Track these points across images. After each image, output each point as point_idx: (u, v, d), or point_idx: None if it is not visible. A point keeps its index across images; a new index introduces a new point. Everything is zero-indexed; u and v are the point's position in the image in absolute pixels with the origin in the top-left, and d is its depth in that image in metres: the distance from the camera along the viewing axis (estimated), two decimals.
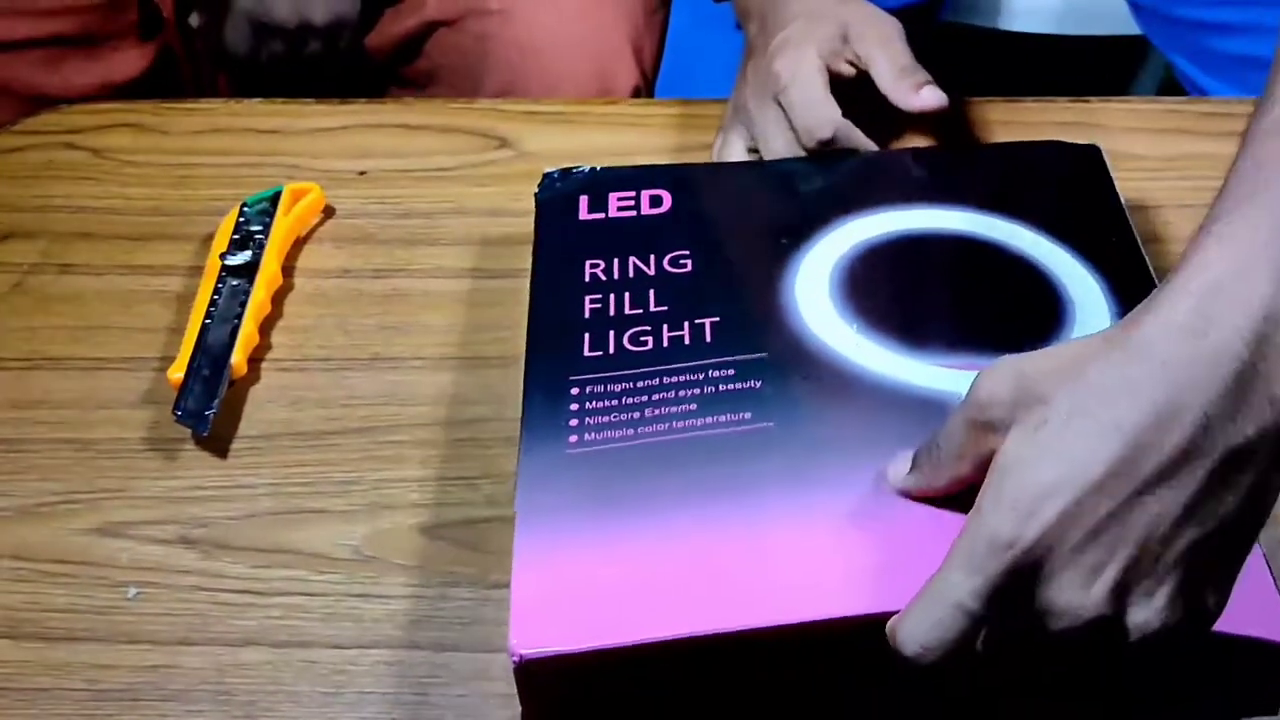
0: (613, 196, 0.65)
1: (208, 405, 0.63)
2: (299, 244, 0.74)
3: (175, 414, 0.63)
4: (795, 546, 0.49)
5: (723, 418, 0.54)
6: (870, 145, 0.70)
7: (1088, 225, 0.63)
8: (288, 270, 0.72)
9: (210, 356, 0.66)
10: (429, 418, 0.64)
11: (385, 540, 0.59)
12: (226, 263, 0.70)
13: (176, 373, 0.65)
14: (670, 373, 0.56)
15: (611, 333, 0.58)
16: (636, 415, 0.54)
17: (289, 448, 0.63)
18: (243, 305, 0.68)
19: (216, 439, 0.64)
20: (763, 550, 0.49)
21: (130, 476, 0.63)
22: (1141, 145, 0.76)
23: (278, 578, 0.58)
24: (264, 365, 0.68)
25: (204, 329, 0.67)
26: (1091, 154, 0.68)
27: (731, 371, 0.55)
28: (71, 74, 0.93)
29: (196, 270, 0.71)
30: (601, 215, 0.64)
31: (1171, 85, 1.25)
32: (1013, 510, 0.42)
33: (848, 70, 0.71)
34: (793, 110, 0.69)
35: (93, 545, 0.60)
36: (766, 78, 0.71)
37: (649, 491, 0.51)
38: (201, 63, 1.00)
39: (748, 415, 0.54)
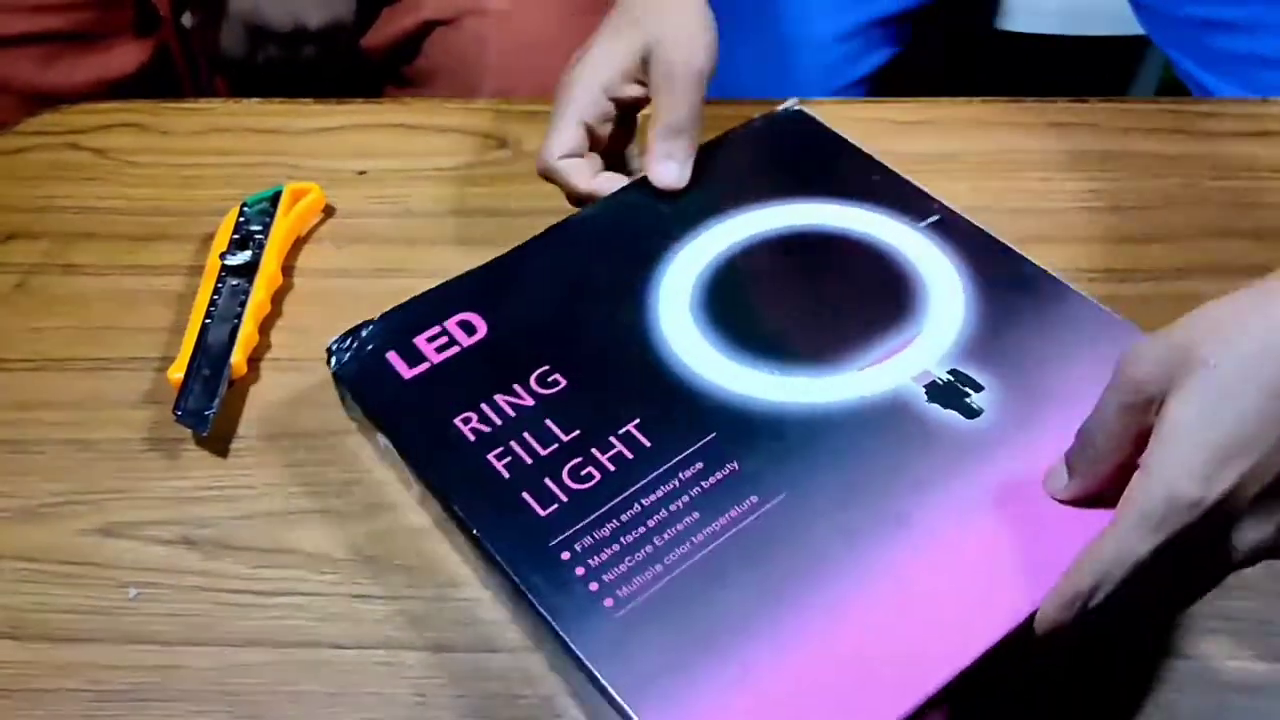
0: (420, 341, 0.60)
1: (208, 405, 0.64)
2: (299, 244, 0.74)
3: (176, 414, 0.64)
4: (904, 597, 0.49)
5: (734, 512, 0.52)
6: (581, 188, 0.66)
7: (855, 178, 0.66)
8: (288, 270, 0.72)
9: (210, 356, 0.66)
10: None
11: (386, 540, 0.60)
12: (226, 262, 0.70)
13: (177, 373, 0.65)
14: (641, 493, 0.53)
15: (548, 481, 0.54)
16: (649, 549, 0.51)
17: (289, 447, 0.64)
18: (242, 305, 0.68)
19: (217, 439, 0.64)
20: (880, 616, 0.49)
21: (132, 477, 0.63)
22: (1140, 145, 0.76)
23: (279, 578, 0.59)
24: (264, 365, 0.68)
25: (204, 329, 0.67)
26: (802, 117, 0.71)
27: (700, 465, 0.54)
28: (67, 71, 0.93)
29: (197, 270, 0.71)
30: (425, 365, 0.59)
31: (1171, 85, 1.25)
32: (1192, 474, 0.44)
33: (633, 92, 0.67)
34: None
35: (96, 546, 0.60)
36: (559, 85, 0.68)
37: (726, 613, 0.49)
38: (198, 61, 1.00)
39: (754, 499, 0.53)
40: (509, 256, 0.64)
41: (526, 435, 0.56)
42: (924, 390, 0.56)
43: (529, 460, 0.55)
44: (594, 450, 0.55)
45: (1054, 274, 0.61)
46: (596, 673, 0.48)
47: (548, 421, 0.56)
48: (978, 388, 0.56)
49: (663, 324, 0.60)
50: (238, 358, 0.66)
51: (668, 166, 0.66)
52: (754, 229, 0.64)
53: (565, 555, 0.51)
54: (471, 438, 0.56)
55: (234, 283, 0.70)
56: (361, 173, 0.78)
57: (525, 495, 0.54)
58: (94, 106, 0.83)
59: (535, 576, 0.51)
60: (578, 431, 0.56)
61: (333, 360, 0.60)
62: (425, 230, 0.74)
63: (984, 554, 0.51)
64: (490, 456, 0.55)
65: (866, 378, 0.57)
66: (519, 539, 0.52)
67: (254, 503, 0.61)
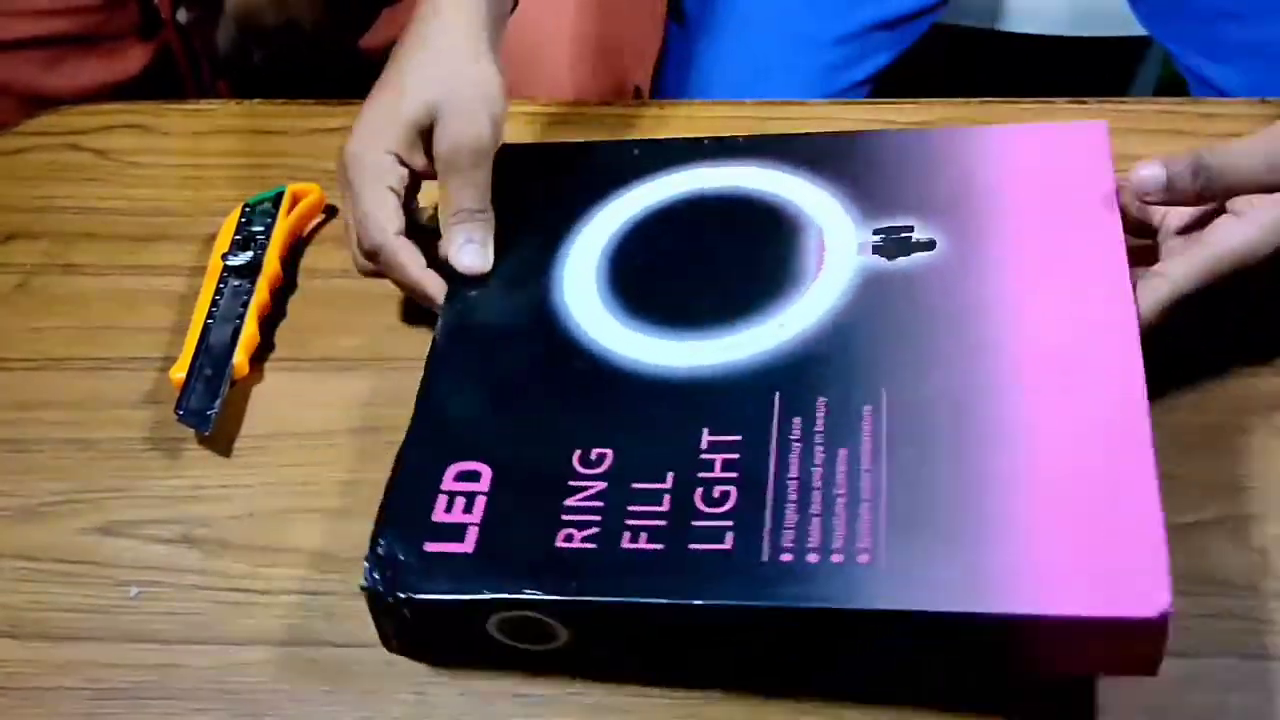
0: (439, 516, 0.55)
1: (210, 405, 0.64)
2: (301, 244, 0.74)
3: (177, 414, 0.64)
4: (1052, 375, 0.54)
5: (867, 429, 0.54)
6: (414, 275, 0.63)
7: (624, 162, 0.68)
8: (289, 270, 0.72)
9: (212, 356, 0.66)
10: None
11: None
12: (228, 263, 0.70)
13: (178, 372, 0.65)
14: (783, 473, 0.53)
15: (698, 523, 0.52)
16: (843, 501, 0.52)
17: (291, 447, 0.64)
18: (245, 305, 0.68)
19: (218, 438, 0.64)
20: (1052, 398, 0.54)
21: (133, 476, 0.63)
22: (1139, 146, 0.76)
23: (280, 577, 0.59)
24: (266, 365, 0.68)
25: (206, 329, 0.67)
26: (514, 147, 0.70)
27: (799, 419, 0.54)
28: (71, 73, 0.93)
29: (199, 270, 0.72)
30: (473, 529, 0.54)
31: (1171, 85, 1.25)
32: None
33: (421, 163, 0.64)
34: (354, 211, 0.63)
35: (96, 545, 0.60)
36: (342, 156, 0.64)
37: (957, 493, 0.51)
38: (201, 63, 1.00)
39: (868, 408, 0.54)
40: (430, 392, 0.60)
41: (632, 508, 0.53)
42: (877, 256, 0.60)
43: (662, 523, 0.52)
44: (701, 474, 0.54)
45: (848, 132, 0.68)
46: (945, 609, 0.48)
47: (634, 485, 0.54)
48: (909, 229, 0.61)
49: (618, 346, 0.60)
50: (240, 358, 0.66)
51: (469, 250, 0.63)
52: (605, 238, 0.64)
53: (787, 558, 0.50)
54: (593, 546, 0.52)
55: (236, 283, 0.70)
56: None
57: (694, 547, 0.51)
58: (95, 107, 0.83)
59: (793, 589, 0.50)
60: (670, 472, 0.54)
61: (387, 597, 0.53)
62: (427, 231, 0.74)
63: (1068, 307, 0.56)
64: (625, 546, 0.52)
65: (828, 281, 0.60)
66: (740, 579, 0.50)
67: (255, 502, 0.62)
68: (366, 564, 0.54)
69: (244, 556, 0.59)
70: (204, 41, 0.98)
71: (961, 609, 0.48)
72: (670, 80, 0.99)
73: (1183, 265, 0.57)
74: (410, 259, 0.63)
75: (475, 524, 0.54)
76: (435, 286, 0.64)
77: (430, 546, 0.54)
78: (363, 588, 0.53)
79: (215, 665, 0.56)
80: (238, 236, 0.72)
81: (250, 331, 0.67)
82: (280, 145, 0.80)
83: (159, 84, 0.96)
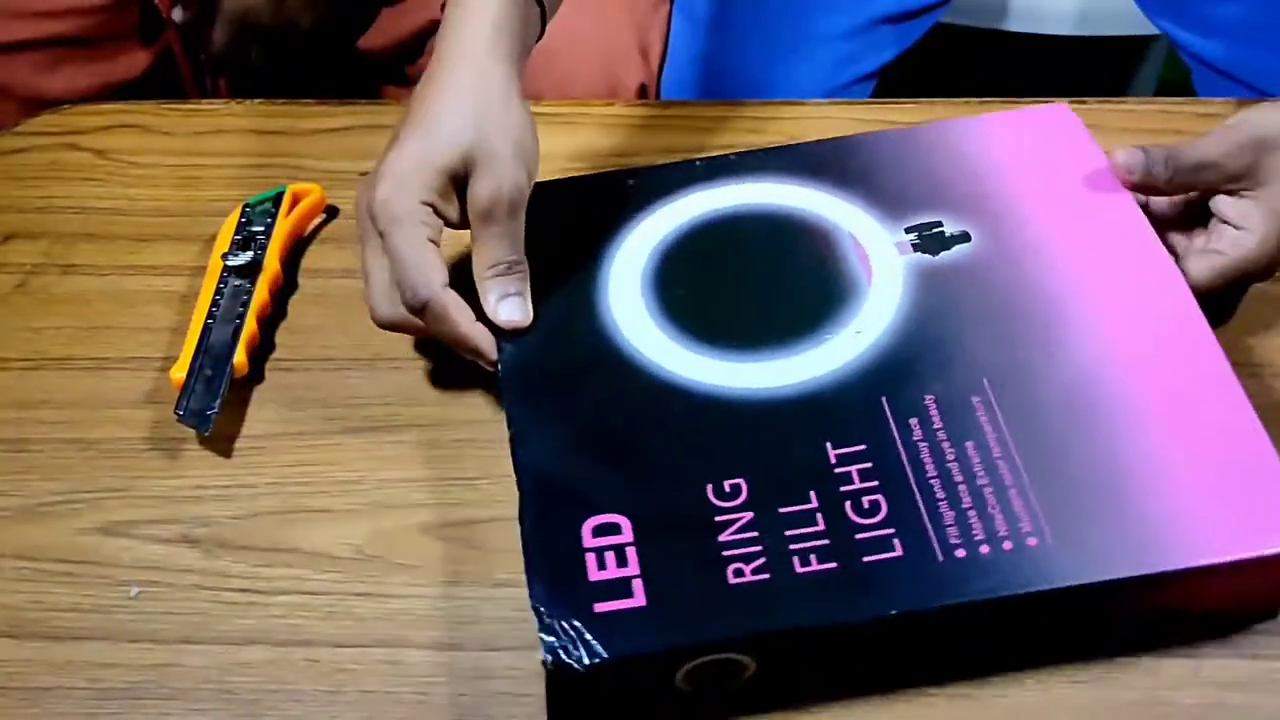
0: (594, 576, 0.52)
1: (210, 405, 0.64)
2: (302, 245, 0.74)
3: (177, 414, 0.64)
4: (1141, 330, 0.58)
5: (982, 420, 0.55)
6: (464, 329, 0.60)
7: (628, 192, 0.67)
8: (290, 270, 0.72)
9: (212, 356, 0.66)
10: (430, 418, 0.64)
11: (387, 540, 0.60)
12: (228, 263, 0.70)
13: (179, 372, 0.65)
14: (921, 475, 0.54)
15: (860, 536, 0.52)
16: (990, 491, 0.53)
17: (291, 447, 0.64)
18: (245, 305, 0.68)
19: (219, 438, 0.64)
20: (1141, 349, 0.57)
21: (133, 476, 0.63)
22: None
23: (280, 577, 0.59)
24: (266, 365, 0.68)
25: (206, 329, 0.67)
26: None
27: (915, 420, 0.56)
28: (72, 76, 0.93)
29: (199, 270, 0.72)
30: (636, 580, 0.52)
31: (1171, 85, 1.25)
32: None
33: (454, 215, 0.61)
34: (393, 262, 0.59)
35: (95, 545, 0.60)
36: (370, 202, 0.60)
37: (1095, 460, 0.54)
38: (202, 65, 1.00)
39: (977, 399, 0.56)
40: (525, 450, 0.57)
41: (789, 533, 0.53)
42: (919, 254, 0.61)
43: (825, 541, 0.52)
44: (843, 488, 0.54)
45: (834, 138, 0.69)
46: (1126, 574, 0.50)
47: (781, 509, 0.54)
48: (939, 224, 0.62)
49: (706, 376, 0.59)
50: (240, 358, 0.66)
51: (510, 305, 0.61)
52: (640, 272, 0.64)
53: (961, 554, 0.52)
54: (766, 576, 0.52)
55: (236, 283, 0.70)
56: (364, 174, 0.78)
57: (867, 559, 0.52)
58: (95, 107, 0.83)
59: (978, 583, 0.51)
60: (812, 490, 0.54)
61: (576, 667, 0.50)
62: None
63: (1121, 276, 0.60)
64: (800, 572, 0.52)
65: (884, 283, 0.61)
66: (925, 583, 0.51)
67: (254, 502, 0.62)
68: (543, 639, 0.50)
69: (244, 556, 0.59)
70: (199, 41, 0.98)
71: (1142, 571, 0.51)
72: (677, 77, 0.99)
73: (1203, 265, 0.61)
74: (460, 313, 0.60)
75: (636, 576, 0.52)
76: (487, 341, 0.61)
77: (600, 608, 0.51)
78: (547, 664, 0.50)
79: (214, 665, 0.56)
80: (238, 236, 0.72)
81: (250, 331, 0.67)
82: (280, 145, 0.80)
83: (160, 86, 0.97)
